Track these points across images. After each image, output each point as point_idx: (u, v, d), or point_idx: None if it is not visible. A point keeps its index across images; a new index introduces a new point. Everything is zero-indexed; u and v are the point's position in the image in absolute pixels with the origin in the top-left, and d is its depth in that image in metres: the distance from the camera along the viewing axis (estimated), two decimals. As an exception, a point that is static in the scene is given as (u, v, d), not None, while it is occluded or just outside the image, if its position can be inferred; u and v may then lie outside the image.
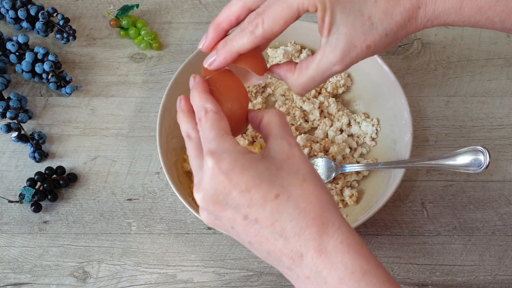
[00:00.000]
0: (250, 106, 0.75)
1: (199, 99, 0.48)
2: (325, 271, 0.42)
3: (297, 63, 0.52)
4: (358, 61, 0.50)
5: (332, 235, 0.43)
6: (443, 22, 0.50)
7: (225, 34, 0.51)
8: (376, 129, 0.73)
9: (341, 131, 0.74)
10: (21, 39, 0.77)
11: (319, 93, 0.75)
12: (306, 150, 0.72)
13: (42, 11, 0.78)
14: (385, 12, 0.48)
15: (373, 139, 0.73)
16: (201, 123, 0.46)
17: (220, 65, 0.50)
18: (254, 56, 0.51)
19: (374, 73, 0.72)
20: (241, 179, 0.43)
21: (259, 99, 0.75)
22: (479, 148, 0.63)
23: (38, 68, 0.76)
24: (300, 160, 0.45)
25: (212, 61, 0.50)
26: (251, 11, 0.49)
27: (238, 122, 0.50)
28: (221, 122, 0.46)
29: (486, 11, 0.49)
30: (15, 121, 0.74)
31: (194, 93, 0.48)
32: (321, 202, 0.43)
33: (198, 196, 0.45)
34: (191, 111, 0.49)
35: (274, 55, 0.76)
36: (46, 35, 0.81)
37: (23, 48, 0.78)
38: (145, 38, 0.80)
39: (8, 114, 0.73)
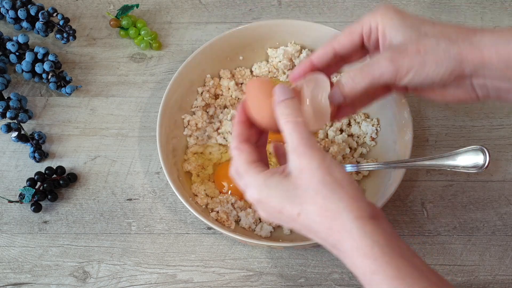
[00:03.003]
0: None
1: (233, 139, 0.55)
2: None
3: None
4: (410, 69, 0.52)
5: (344, 242, 0.47)
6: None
7: (312, 68, 0.57)
8: (376, 129, 0.73)
9: (341, 131, 0.74)
10: (21, 39, 0.77)
11: (319, 93, 0.75)
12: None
13: (42, 11, 0.78)
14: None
15: (373, 139, 0.73)
16: (234, 158, 0.54)
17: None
18: None
19: (374, 73, 0.72)
20: (270, 205, 0.50)
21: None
22: (479, 148, 0.63)
23: (38, 68, 0.76)
24: (308, 174, 0.48)
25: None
26: (337, 54, 0.56)
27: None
28: (246, 156, 0.53)
29: None
30: (15, 121, 0.74)
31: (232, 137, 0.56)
32: (331, 213, 0.47)
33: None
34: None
35: (274, 55, 0.76)
36: (46, 35, 0.81)
37: (23, 48, 0.78)
38: (145, 38, 0.80)
39: (8, 114, 0.73)
